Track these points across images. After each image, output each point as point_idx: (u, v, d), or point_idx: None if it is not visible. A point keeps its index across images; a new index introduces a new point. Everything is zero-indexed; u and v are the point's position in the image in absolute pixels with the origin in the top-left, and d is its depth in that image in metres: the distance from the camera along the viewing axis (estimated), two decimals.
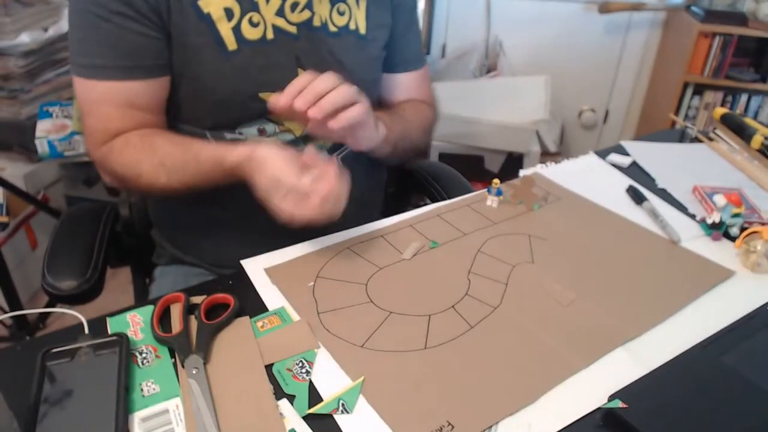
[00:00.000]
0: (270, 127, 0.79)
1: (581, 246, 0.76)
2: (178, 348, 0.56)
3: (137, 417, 0.50)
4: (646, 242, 0.78)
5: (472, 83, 2.42)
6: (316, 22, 0.78)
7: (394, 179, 1.10)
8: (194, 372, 0.54)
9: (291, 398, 0.52)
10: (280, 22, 0.75)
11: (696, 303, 0.66)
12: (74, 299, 0.75)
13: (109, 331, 0.59)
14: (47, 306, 0.80)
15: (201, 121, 0.78)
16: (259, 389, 0.53)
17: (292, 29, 0.76)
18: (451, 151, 2.31)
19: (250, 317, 0.61)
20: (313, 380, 0.54)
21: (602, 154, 1.03)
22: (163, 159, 0.72)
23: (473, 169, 2.31)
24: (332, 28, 0.79)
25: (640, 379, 0.54)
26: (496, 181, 0.85)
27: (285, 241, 0.74)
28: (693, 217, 0.84)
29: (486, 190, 0.87)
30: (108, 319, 0.61)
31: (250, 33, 0.73)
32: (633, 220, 0.82)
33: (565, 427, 0.51)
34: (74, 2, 0.71)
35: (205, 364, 0.55)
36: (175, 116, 0.79)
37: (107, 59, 0.71)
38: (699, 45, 2.29)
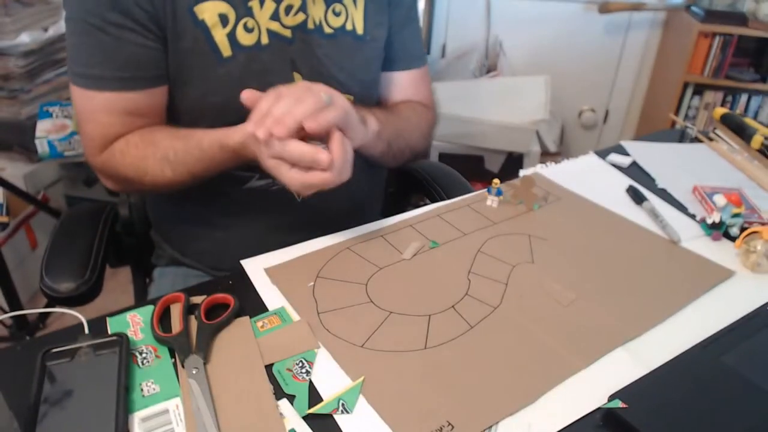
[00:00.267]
0: None
1: (581, 246, 0.76)
2: (178, 348, 0.56)
3: (137, 417, 0.50)
4: (646, 242, 0.78)
5: (472, 83, 2.42)
6: (310, 25, 0.77)
7: (394, 179, 1.10)
8: (194, 372, 0.54)
9: (291, 398, 0.52)
10: (275, 26, 0.74)
11: (696, 303, 0.66)
12: (72, 301, 0.75)
13: (109, 331, 0.59)
14: (47, 306, 0.80)
15: (197, 128, 0.77)
16: (259, 389, 0.53)
17: (287, 33, 0.75)
18: (451, 151, 2.31)
19: (250, 317, 0.61)
20: (313, 380, 0.54)
21: (602, 154, 1.03)
22: (167, 152, 0.72)
23: (473, 169, 2.31)
24: (327, 30, 0.78)
25: (640, 379, 0.54)
26: (496, 181, 0.85)
27: (285, 242, 0.74)
28: (693, 217, 0.84)
29: (486, 190, 0.87)
30: (108, 319, 0.61)
31: (245, 39, 0.73)
32: (633, 220, 0.82)
33: (565, 427, 0.51)
34: (70, 11, 0.69)
35: (205, 364, 0.55)
36: (172, 122, 0.79)
37: (105, 70, 0.70)
38: (699, 45, 2.29)
